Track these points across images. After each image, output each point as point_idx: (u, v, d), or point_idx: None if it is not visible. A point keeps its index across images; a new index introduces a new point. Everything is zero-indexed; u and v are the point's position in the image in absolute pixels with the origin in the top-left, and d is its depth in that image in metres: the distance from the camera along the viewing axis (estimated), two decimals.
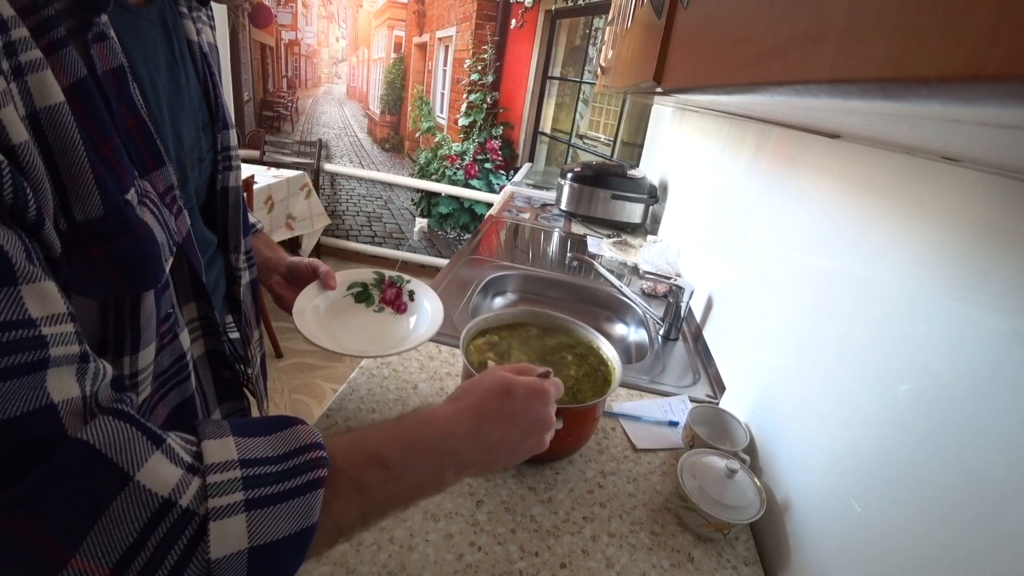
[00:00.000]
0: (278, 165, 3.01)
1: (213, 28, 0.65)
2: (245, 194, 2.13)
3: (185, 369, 0.55)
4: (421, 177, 3.35)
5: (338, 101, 3.34)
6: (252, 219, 0.84)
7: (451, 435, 0.44)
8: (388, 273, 0.86)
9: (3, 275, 0.29)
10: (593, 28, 2.81)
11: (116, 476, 0.30)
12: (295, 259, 0.82)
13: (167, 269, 0.46)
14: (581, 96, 2.98)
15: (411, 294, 0.84)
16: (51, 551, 0.28)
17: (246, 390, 0.75)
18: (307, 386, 2.33)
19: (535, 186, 2.55)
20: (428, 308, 0.82)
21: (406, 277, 0.86)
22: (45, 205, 0.33)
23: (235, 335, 0.71)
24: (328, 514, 0.36)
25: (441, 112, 3.20)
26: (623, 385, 0.98)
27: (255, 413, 0.78)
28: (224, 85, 0.66)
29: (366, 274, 0.85)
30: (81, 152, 0.35)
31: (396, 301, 0.84)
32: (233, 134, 0.64)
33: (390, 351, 0.74)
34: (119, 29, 0.43)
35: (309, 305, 0.77)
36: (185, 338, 0.54)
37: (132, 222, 0.40)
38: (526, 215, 2.04)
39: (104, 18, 0.40)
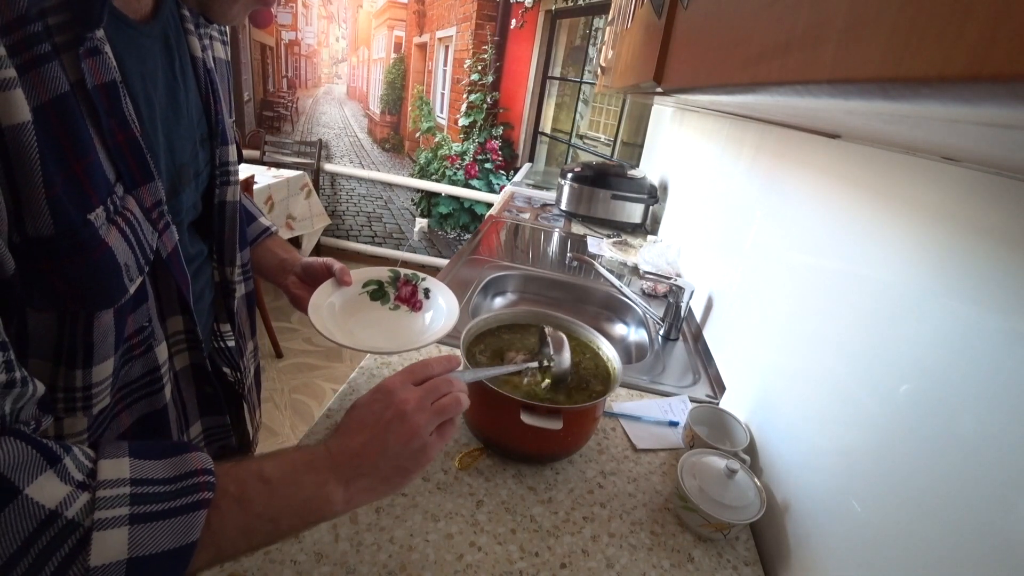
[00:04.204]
0: (278, 165, 3.01)
1: (225, 43, 0.66)
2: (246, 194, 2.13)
3: (158, 382, 0.55)
4: (421, 177, 3.35)
5: (338, 101, 3.34)
6: (266, 222, 0.85)
7: (321, 453, 0.45)
8: (403, 271, 0.86)
9: None
10: (593, 28, 2.81)
11: (6, 490, 0.32)
12: (310, 259, 0.82)
13: (131, 289, 0.45)
14: (581, 96, 2.98)
15: (426, 292, 0.84)
16: None
17: (243, 401, 0.75)
18: (307, 386, 2.33)
19: (535, 186, 2.55)
20: (443, 305, 0.82)
21: (421, 275, 0.85)
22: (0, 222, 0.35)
23: (231, 343, 0.71)
24: (209, 529, 0.38)
25: (441, 112, 3.20)
26: (623, 385, 0.98)
27: (247, 423, 0.79)
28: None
29: (381, 272, 0.85)
30: (37, 172, 0.35)
31: (411, 299, 0.84)
32: (232, 150, 0.64)
33: (406, 347, 0.74)
34: (117, 44, 0.43)
35: (324, 302, 0.76)
36: (162, 351, 0.54)
37: (88, 243, 0.40)
38: (526, 215, 2.04)
39: (100, 33, 0.40)
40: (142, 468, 0.38)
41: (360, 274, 0.83)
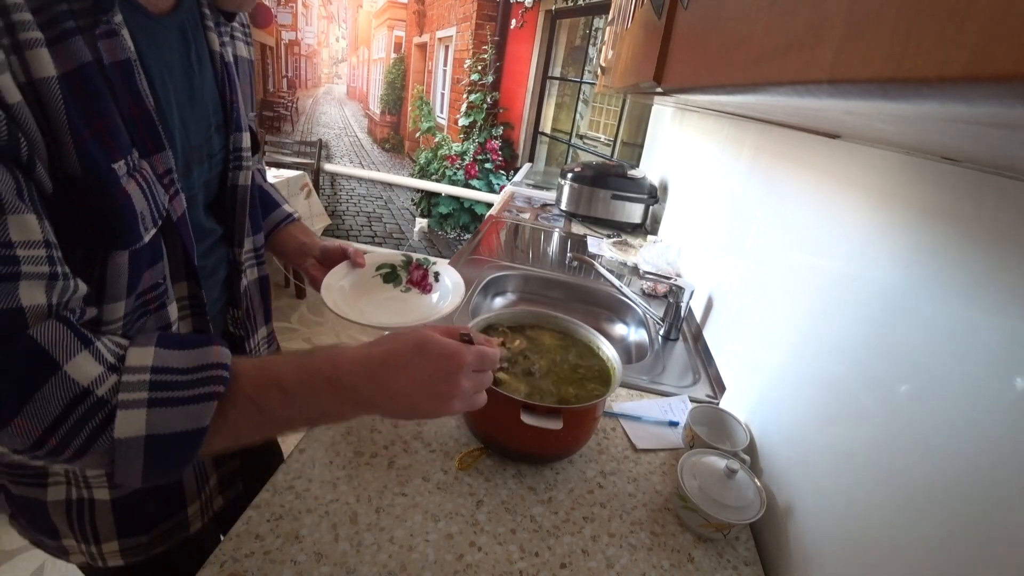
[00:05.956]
0: (278, 165, 3.01)
1: (248, 44, 0.72)
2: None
3: None
4: (421, 177, 3.35)
5: (338, 101, 3.34)
6: (289, 209, 0.91)
7: (352, 374, 0.48)
8: (416, 256, 0.91)
9: None
10: (593, 28, 2.81)
11: (50, 364, 0.40)
12: (327, 243, 0.89)
13: (145, 237, 0.50)
14: (581, 96, 2.98)
15: (436, 275, 0.89)
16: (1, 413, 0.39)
17: None
18: None
19: (535, 186, 2.55)
20: (450, 286, 0.86)
21: (432, 259, 0.91)
22: (38, 153, 0.40)
23: (240, 331, 0.74)
24: (224, 421, 0.45)
25: (441, 112, 3.20)
26: (623, 385, 0.98)
27: None
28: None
29: (395, 256, 0.90)
30: (64, 120, 0.41)
31: (422, 282, 0.89)
32: (246, 137, 0.68)
33: (412, 324, 0.78)
34: (135, 32, 0.48)
35: (337, 283, 0.81)
36: (172, 310, 0.58)
37: (110, 187, 0.45)
38: (526, 215, 2.04)
39: (118, 19, 0.46)
40: (164, 357, 0.44)
41: (374, 257, 0.89)
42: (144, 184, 0.49)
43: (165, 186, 0.52)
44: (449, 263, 0.93)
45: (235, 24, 0.67)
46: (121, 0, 0.47)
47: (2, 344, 0.38)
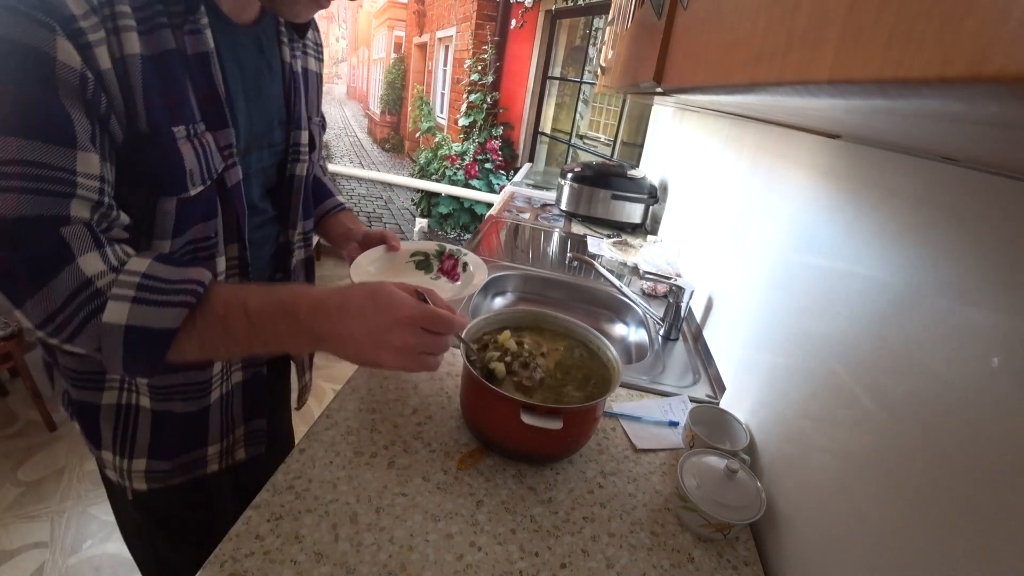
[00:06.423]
0: None
1: (319, 59, 0.83)
2: None
3: None
4: (421, 177, 3.35)
5: (338, 101, 3.34)
6: (341, 199, 1.03)
7: (310, 311, 0.54)
8: (449, 246, 0.98)
9: (69, 141, 0.48)
10: (593, 28, 2.81)
11: (68, 256, 0.49)
12: (369, 230, 0.99)
13: (192, 191, 0.59)
14: (581, 96, 2.98)
15: (464, 265, 0.95)
16: (27, 287, 0.49)
17: (291, 359, 0.94)
18: None
19: (535, 186, 2.55)
20: (474, 273, 0.94)
21: (464, 251, 0.98)
22: (116, 110, 0.51)
23: None
24: (194, 327, 0.53)
25: (441, 112, 3.20)
26: (623, 385, 0.98)
27: (294, 381, 0.97)
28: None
29: (431, 246, 0.98)
30: (140, 88, 0.52)
31: (452, 271, 0.95)
32: (304, 135, 0.78)
33: None
34: (218, 34, 0.59)
35: (367, 264, 0.89)
36: (220, 263, 0.66)
37: (167, 145, 0.55)
38: (526, 215, 2.04)
39: (204, 21, 0.57)
40: (156, 269, 0.53)
41: (410, 245, 0.97)
42: (199, 149, 0.58)
43: (224, 157, 0.62)
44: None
45: (308, 42, 0.78)
46: (210, 9, 0.58)
47: (44, 235, 0.48)
